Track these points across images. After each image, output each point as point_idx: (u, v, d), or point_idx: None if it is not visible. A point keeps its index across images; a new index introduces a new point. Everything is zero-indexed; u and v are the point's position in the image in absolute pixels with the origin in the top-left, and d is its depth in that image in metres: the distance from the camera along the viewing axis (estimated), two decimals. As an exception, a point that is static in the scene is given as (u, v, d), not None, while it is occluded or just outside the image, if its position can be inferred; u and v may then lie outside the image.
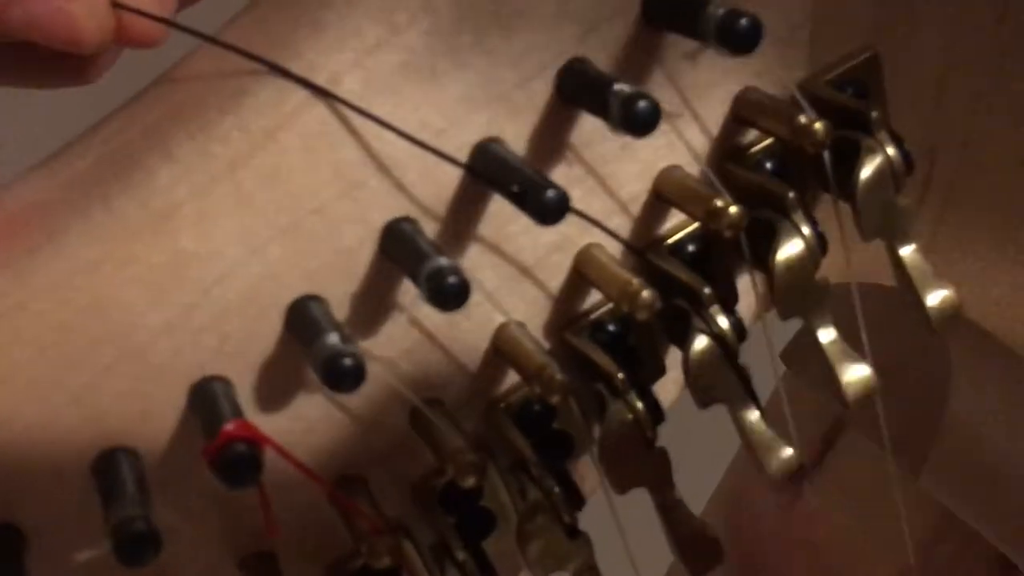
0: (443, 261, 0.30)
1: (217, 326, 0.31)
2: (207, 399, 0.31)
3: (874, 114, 0.36)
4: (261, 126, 0.30)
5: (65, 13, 0.30)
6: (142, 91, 0.32)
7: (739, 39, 0.31)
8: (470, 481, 0.32)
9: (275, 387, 0.32)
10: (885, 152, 0.36)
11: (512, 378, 0.35)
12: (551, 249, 0.35)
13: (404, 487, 0.35)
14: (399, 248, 0.32)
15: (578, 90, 0.33)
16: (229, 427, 0.29)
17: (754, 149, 0.37)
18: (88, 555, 0.28)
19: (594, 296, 0.36)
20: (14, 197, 0.31)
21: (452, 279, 0.29)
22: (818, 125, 0.34)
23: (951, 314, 0.37)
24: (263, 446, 0.29)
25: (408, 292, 0.33)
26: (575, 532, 0.35)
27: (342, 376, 0.29)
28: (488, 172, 0.32)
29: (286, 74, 0.30)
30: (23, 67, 0.34)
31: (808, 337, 0.37)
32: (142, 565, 0.28)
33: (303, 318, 0.31)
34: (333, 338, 0.29)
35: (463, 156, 0.32)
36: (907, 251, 0.37)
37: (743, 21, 0.31)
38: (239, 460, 0.29)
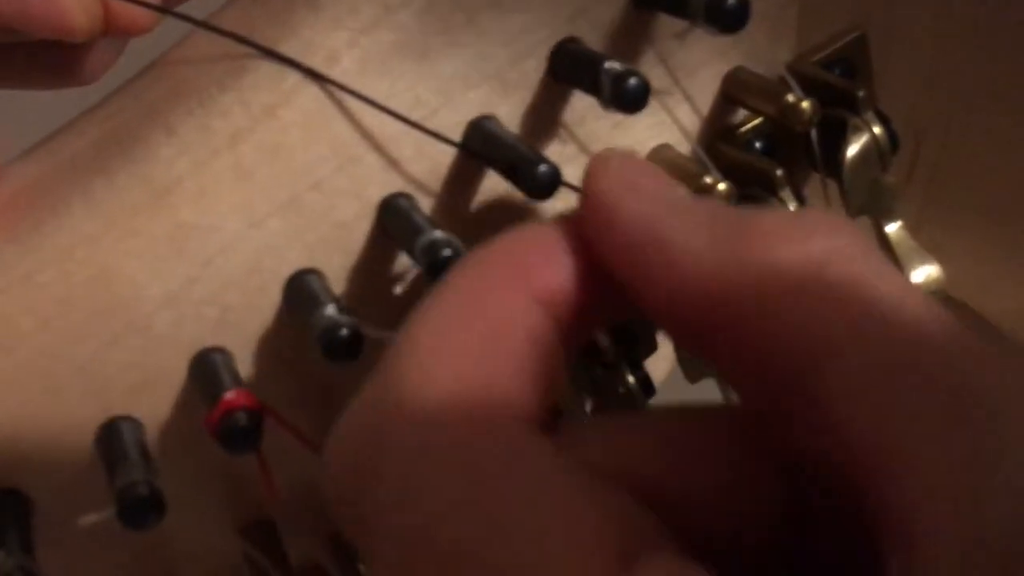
0: (438, 234, 0.30)
1: (217, 298, 0.32)
2: (208, 369, 0.31)
3: (861, 93, 0.36)
4: (261, 102, 0.31)
5: (54, 2, 0.30)
6: (139, 72, 0.33)
7: (727, 18, 0.32)
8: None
9: (274, 358, 0.33)
10: (871, 131, 0.37)
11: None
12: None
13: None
14: (395, 222, 0.32)
15: (570, 68, 0.33)
16: (230, 396, 0.29)
17: (743, 128, 0.37)
18: (93, 519, 0.28)
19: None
20: (17, 175, 0.32)
21: (447, 252, 0.30)
22: (806, 104, 0.35)
23: (936, 291, 0.38)
24: (263, 414, 0.30)
25: (404, 265, 0.33)
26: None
27: (339, 347, 0.29)
28: (482, 149, 0.33)
29: (278, 57, 0.31)
30: (19, 68, 0.34)
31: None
32: (146, 529, 0.28)
33: (301, 290, 0.32)
34: (331, 310, 0.30)
35: (457, 133, 0.33)
36: (893, 228, 0.38)
37: (731, 0, 0.31)
38: (240, 428, 0.29)
